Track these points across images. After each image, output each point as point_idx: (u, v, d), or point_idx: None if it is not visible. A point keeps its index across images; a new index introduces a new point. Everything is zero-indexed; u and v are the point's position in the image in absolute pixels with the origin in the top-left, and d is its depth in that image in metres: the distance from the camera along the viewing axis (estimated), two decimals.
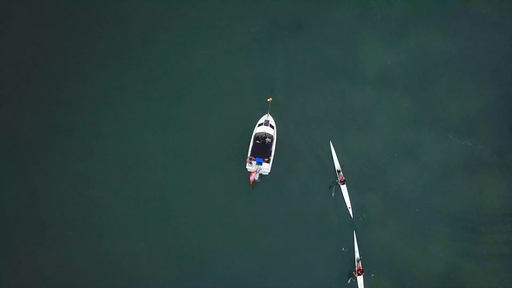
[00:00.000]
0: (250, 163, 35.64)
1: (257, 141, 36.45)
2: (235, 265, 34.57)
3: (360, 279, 33.62)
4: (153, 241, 34.96)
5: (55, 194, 35.89)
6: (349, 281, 34.11)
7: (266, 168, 35.83)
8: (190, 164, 37.13)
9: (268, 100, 36.92)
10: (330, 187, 36.34)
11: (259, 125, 36.93)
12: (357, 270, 33.56)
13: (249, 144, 36.65)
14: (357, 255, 34.25)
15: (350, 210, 35.84)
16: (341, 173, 36.21)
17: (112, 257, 34.51)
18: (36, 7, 41.33)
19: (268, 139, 36.58)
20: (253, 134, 36.84)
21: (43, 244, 34.57)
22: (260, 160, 35.63)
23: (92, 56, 40.05)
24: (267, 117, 37.07)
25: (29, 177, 36.18)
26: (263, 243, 35.16)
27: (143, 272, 34.14)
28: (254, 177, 35.27)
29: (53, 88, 38.97)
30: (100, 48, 40.38)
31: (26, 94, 38.70)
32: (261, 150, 35.83)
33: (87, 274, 34.17)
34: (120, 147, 37.36)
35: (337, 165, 36.54)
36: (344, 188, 35.96)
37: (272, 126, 36.83)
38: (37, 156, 36.80)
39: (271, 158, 36.26)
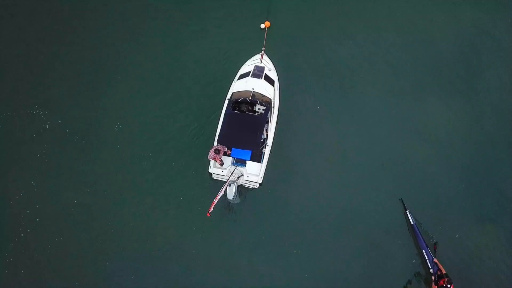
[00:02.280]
0: (219, 160, 15.46)
1: (236, 111, 16.12)
2: None
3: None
4: None
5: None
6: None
7: (253, 173, 15.62)
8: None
9: (263, 26, 17.10)
10: None
11: (242, 76, 16.59)
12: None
13: (219, 119, 16.35)
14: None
15: None
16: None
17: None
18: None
19: (260, 108, 16.29)
20: (228, 95, 16.51)
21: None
22: (242, 155, 15.50)
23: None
24: (261, 60, 16.80)
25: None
26: None
27: None
28: (226, 194, 15.08)
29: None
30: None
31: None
32: (244, 131, 15.35)
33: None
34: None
35: None
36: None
37: (270, 80, 16.54)
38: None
39: (267, 150, 15.99)
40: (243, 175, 15.55)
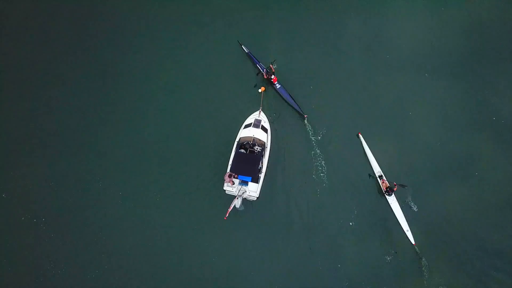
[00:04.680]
0: (231, 182, 23.93)
1: (242, 150, 24.70)
2: None
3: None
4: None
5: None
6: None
7: (253, 191, 24.12)
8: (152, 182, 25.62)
9: (260, 90, 25.84)
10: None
11: (246, 126, 25.26)
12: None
13: (230, 154, 24.92)
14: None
15: None
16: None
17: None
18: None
19: (258, 148, 24.88)
20: (237, 139, 25.11)
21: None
22: (245, 178, 23.94)
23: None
24: (259, 115, 25.46)
25: None
26: None
27: None
28: (235, 204, 23.50)
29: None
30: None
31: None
32: (247, 163, 24.02)
33: None
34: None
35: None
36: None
37: (265, 129, 25.18)
38: None
39: (262, 176, 24.53)
40: (246, 192, 24.02)
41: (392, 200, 24.52)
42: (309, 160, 25.62)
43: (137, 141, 26.10)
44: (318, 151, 25.67)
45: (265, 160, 24.88)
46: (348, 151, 25.86)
